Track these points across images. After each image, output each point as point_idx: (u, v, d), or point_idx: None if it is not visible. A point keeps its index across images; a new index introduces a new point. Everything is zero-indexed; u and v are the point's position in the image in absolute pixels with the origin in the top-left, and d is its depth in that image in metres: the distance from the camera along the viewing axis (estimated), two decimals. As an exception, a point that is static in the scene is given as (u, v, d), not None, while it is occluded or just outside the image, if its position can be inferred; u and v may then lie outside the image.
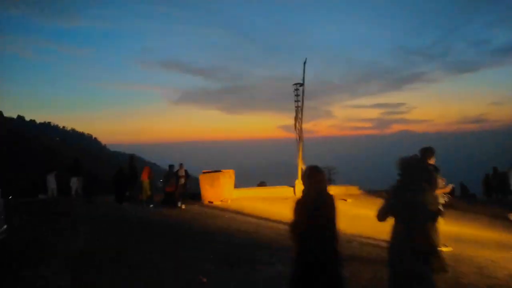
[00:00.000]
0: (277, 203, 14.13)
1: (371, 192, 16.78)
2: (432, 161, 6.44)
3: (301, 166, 16.78)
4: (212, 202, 14.61)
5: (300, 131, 18.08)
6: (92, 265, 6.54)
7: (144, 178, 14.72)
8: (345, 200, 14.42)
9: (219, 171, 15.59)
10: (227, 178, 15.26)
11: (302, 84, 19.85)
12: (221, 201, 14.82)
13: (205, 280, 5.72)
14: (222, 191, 15.02)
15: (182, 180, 14.06)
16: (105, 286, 5.54)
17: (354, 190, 16.73)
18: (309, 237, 3.35)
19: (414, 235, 3.43)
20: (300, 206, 3.40)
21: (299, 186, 16.35)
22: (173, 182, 13.92)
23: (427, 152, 6.46)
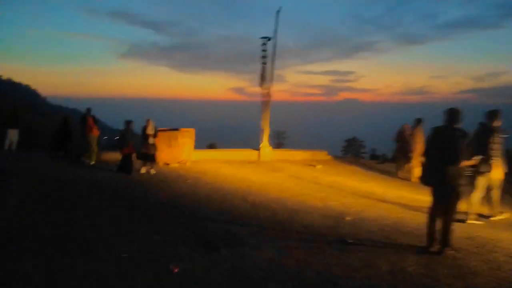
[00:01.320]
0: (243, 167, 12.86)
1: (339, 158, 16.01)
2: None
3: (267, 131, 15.52)
4: (168, 164, 13.05)
5: (267, 93, 16.69)
6: (28, 247, 4.92)
7: (95, 132, 12.95)
8: (314, 166, 13.46)
9: (177, 129, 13.97)
10: (187, 137, 13.69)
11: (270, 39, 18.24)
12: (179, 163, 13.31)
13: (176, 270, 4.36)
14: (180, 152, 13.47)
15: (151, 140, 11.76)
16: (41, 273, 4.01)
17: (322, 155, 15.84)
18: None
19: None
20: None
21: (265, 150, 15.16)
22: (131, 142, 11.64)
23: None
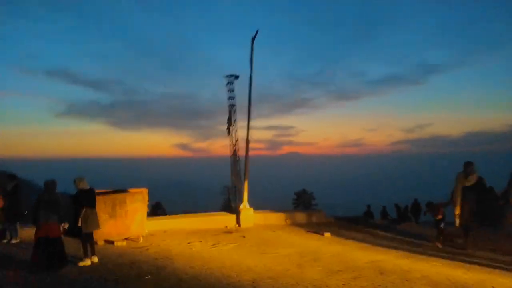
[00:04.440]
0: (223, 242, 8.90)
1: (340, 219, 12.51)
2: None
3: (246, 186, 11.81)
4: (113, 243, 8.83)
5: (245, 143, 13.26)
6: None
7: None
8: (321, 234, 9.82)
9: (125, 190, 9.87)
10: (139, 201, 9.56)
11: (238, 77, 15.24)
12: (128, 239, 9.14)
13: None
14: (129, 224, 9.28)
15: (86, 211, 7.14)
16: None
17: (319, 216, 12.26)
18: None
19: None
20: None
21: (246, 214, 11.35)
22: (52, 217, 6.65)
23: None
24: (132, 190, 9.91)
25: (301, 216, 12.17)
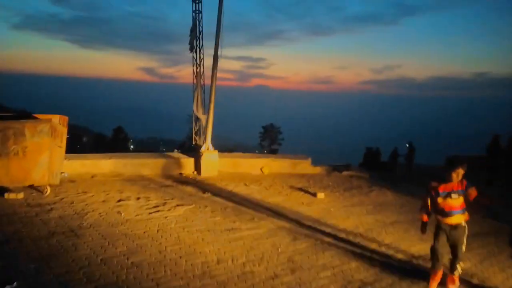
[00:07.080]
0: (172, 200, 6.00)
1: (334, 168, 9.76)
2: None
3: (211, 122, 8.68)
4: (3, 194, 5.75)
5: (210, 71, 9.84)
6: None
7: None
8: (314, 196, 7.04)
9: (28, 117, 6.58)
10: (45, 134, 6.21)
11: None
12: (31, 188, 6.09)
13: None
14: (30, 166, 6.08)
15: None
16: None
17: (304, 166, 9.38)
18: None
19: None
20: None
21: (209, 159, 8.34)
22: None
23: None
24: (39, 117, 6.63)
25: (282, 164, 9.31)
